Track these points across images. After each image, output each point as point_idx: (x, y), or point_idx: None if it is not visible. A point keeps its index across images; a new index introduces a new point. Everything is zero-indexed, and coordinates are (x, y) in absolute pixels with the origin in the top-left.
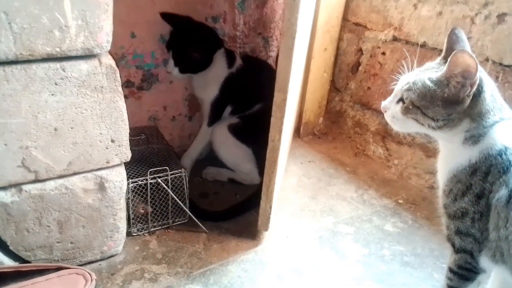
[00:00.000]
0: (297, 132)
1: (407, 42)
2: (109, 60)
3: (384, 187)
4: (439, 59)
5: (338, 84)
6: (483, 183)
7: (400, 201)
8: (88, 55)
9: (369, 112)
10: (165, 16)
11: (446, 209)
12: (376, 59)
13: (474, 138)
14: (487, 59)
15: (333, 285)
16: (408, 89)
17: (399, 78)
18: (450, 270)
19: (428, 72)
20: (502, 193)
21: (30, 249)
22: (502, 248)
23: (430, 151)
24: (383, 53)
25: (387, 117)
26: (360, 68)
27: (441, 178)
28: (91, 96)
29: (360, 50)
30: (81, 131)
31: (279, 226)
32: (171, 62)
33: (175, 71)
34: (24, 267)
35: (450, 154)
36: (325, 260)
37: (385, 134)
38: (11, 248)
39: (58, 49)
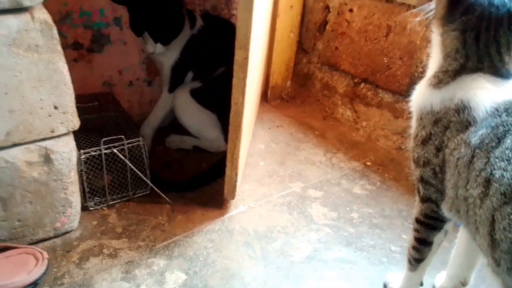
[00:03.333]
0: (264, 97)
1: None
2: (43, 15)
3: (352, 150)
4: None
5: (305, 44)
6: (442, 136)
7: (368, 163)
8: (17, 9)
9: (337, 73)
10: None
11: (412, 153)
12: (343, 16)
13: (437, 79)
14: None
15: (301, 250)
16: None
17: None
18: (417, 220)
19: None
20: (464, 152)
21: None
22: (459, 207)
23: (398, 112)
24: (351, 10)
25: None
26: (327, 27)
27: (413, 117)
28: (25, 56)
29: (327, 7)
30: (17, 96)
31: (247, 194)
32: (150, 41)
33: (159, 47)
34: None
35: (419, 91)
36: (294, 225)
37: (353, 96)
38: None
39: None
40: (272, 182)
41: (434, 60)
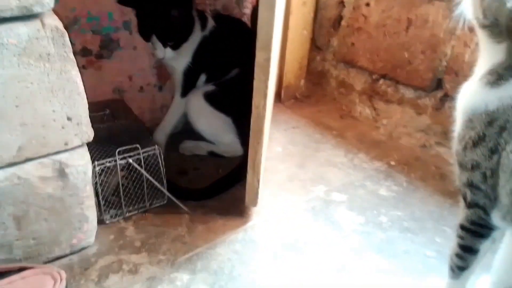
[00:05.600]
0: (278, 97)
1: None
2: (54, 21)
3: (374, 149)
4: None
5: (319, 41)
6: (497, 138)
7: (392, 163)
8: (27, 15)
9: (354, 70)
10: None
11: (457, 156)
12: (359, 11)
13: (495, 77)
14: None
15: (332, 260)
16: None
17: None
18: (462, 227)
19: None
20: None
21: None
22: None
23: (420, 108)
24: (367, 4)
25: None
26: (343, 23)
27: (458, 118)
28: (37, 66)
29: (342, 2)
30: (29, 109)
31: (268, 200)
32: (158, 46)
33: (168, 52)
34: None
35: (469, 90)
36: (321, 233)
37: (372, 93)
38: None
39: None
40: (293, 186)
41: (487, 56)
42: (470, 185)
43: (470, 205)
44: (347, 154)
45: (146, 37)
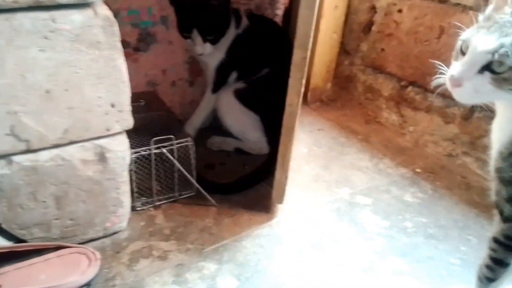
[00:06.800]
0: (304, 99)
1: None
2: (105, 11)
3: (399, 155)
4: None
5: (348, 46)
6: None
7: (418, 170)
8: (81, 4)
9: (382, 76)
10: None
11: (500, 173)
12: (391, 17)
13: None
14: None
15: (355, 260)
16: (505, 54)
17: (461, 40)
18: (495, 240)
19: None
20: None
21: (26, 227)
22: None
23: (448, 117)
24: (400, 11)
25: (463, 92)
26: (373, 28)
27: (498, 139)
28: (87, 52)
29: (374, 7)
30: (77, 94)
31: (293, 199)
32: (198, 41)
33: (208, 47)
34: (20, 247)
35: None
36: (345, 234)
37: (400, 99)
38: (3, 226)
39: None
40: (318, 187)
41: None
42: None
43: (507, 219)
44: (372, 158)
45: (187, 31)
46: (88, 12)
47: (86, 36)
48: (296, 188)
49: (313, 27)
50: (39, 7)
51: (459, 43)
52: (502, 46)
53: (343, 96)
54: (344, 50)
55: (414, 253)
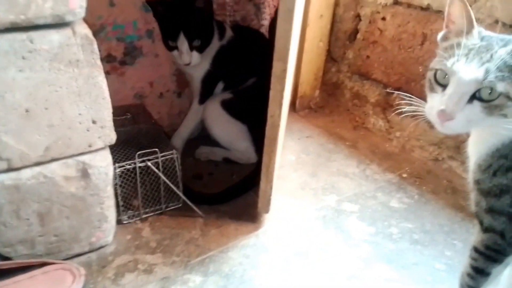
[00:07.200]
0: (292, 107)
1: (409, 6)
2: (84, 29)
3: (386, 161)
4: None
5: (334, 53)
6: None
7: (404, 175)
8: (59, 24)
9: (368, 82)
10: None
11: (479, 185)
12: (375, 25)
13: None
14: (496, 21)
15: (341, 268)
16: (493, 80)
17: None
18: (476, 250)
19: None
20: None
21: (10, 244)
22: None
23: None
24: (383, 18)
25: (456, 125)
26: (358, 36)
27: (476, 153)
28: (66, 71)
29: (358, 16)
30: (57, 111)
31: (280, 207)
32: (184, 48)
33: (195, 56)
34: (4, 265)
35: (497, 129)
36: (331, 242)
37: (386, 105)
38: None
39: (23, 17)
40: (305, 194)
41: None
42: (492, 210)
43: (487, 229)
44: (359, 164)
45: (173, 38)
46: (66, 31)
47: (64, 55)
48: (284, 196)
49: (292, 40)
50: (16, 28)
51: (431, 73)
52: (488, 71)
53: (331, 103)
54: (331, 57)
55: (399, 259)
